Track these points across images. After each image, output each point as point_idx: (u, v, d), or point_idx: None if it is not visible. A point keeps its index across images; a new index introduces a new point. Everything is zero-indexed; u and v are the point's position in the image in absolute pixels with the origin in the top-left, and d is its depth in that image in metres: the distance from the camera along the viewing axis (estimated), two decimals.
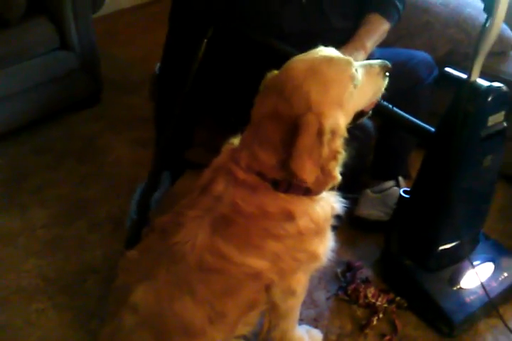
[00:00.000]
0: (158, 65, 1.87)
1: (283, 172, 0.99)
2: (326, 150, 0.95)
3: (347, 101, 0.99)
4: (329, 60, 0.99)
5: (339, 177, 1.02)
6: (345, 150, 1.01)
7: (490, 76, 1.71)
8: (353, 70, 1.00)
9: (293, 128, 0.95)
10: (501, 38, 1.90)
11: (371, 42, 1.43)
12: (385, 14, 1.48)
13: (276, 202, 1.02)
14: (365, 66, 1.05)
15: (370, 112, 1.14)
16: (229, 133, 1.11)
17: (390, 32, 1.99)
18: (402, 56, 1.73)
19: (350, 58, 1.02)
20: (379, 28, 1.47)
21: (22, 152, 2.07)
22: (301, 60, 1.00)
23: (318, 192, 1.06)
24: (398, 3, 1.51)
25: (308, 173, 0.96)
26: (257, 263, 1.05)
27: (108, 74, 2.50)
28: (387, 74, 1.07)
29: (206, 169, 1.10)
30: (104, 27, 3.02)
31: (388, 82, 1.61)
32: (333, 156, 0.99)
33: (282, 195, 1.02)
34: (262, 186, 1.01)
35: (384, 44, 1.92)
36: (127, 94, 2.46)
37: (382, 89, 1.09)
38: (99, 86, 2.37)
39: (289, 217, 1.03)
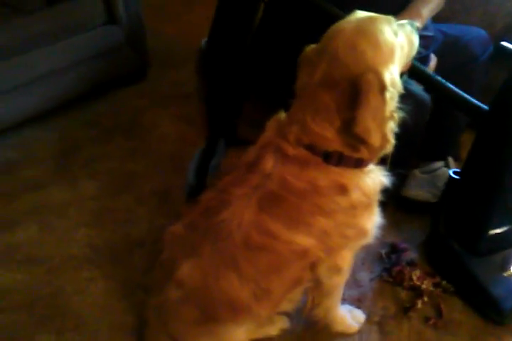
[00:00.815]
0: (205, 40, 1.86)
1: (339, 142, 0.98)
2: (389, 108, 0.95)
3: (396, 56, 0.98)
4: (373, 18, 0.99)
5: (393, 142, 1.01)
6: (401, 110, 1.01)
7: None
8: (395, 26, 1.00)
9: (352, 90, 0.93)
10: None
11: (427, 11, 1.40)
12: None
13: (328, 175, 1.01)
14: (399, 25, 1.05)
15: (406, 75, 1.15)
16: (275, 110, 1.10)
17: (446, 7, 1.92)
18: (456, 32, 1.67)
19: (389, 16, 1.02)
20: None
21: (72, 126, 2.12)
22: (346, 23, 0.99)
23: (370, 160, 1.05)
24: None
25: (374, 136, 0.95)
26: (304, 240, 1.05)
27: (154, 50, 2.50)
28: (417, 32, 1.09)
29: (252, 146, 1.09)
30: (151, 1, 3.03)
31: (442, 59, 1.58)
32: (391, 115, 0.98)
33: (333, 168, 1.01)
34: (313, 160, 1.00)
35: (438, 19, 1.85)
36: (173, 70, 2.46)
37: (416, 47, 1.09)
38: (146, 61, 2.39)
39: (342, 190, 1.02)
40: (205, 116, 1.71)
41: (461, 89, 1.32)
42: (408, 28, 1.06)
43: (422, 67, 1.31)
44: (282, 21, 1.46)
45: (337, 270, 1.17)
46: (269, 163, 1.02)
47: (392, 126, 1.00)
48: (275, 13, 1.43)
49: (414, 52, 1.09)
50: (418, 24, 1.32)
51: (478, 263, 1.39)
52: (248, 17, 1.39)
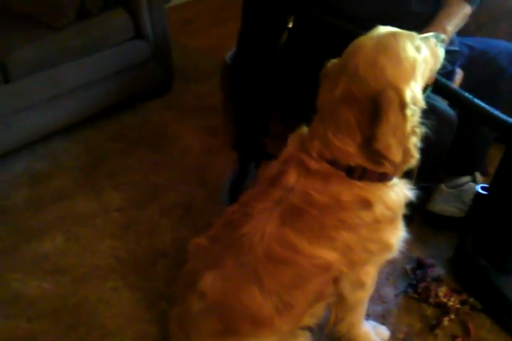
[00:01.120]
0: (230, 53, 1.89)
1: (361, 156, 0.98)
2: (409, 125, 0.94)
3: (418, 72, 0.98)
4: (394, 34, 0.98)
5: (417, 156, 1.01)
6: (424, 126, 1.01)
7: None
8: (418, 42, 1.00)
9: (372, 107, 0.93)
10: None
11: (452, 26, 1.39)
12: None
13: (351, 190, 1.01)
14: (422, 39, 1.04)
15: (431, 88, 1.13)
16: (299, 124, 1.10)
17: (471, 20, 1.90)
18: (483, 45, 1.66)
19: (412, 32, 1.02)
20: (460, 12, 1.43)
21: (98, 138, 2.16)
22: (367, 39, 0.99)
23: (394, 175, 1.04)
24: None
25: (394, 152, 0.95)
26: (327, 254, 1.04)
27: (179, 64, 2.55)
28: (443, 44, 1.08)
29: (275, 160, 1.09)
30: (177, 17, 3.09)
31: (468, 73, 1.57)
32: (413, 131, 0.98)
33: (357, 183, 1.01)
34: (335, 175, 1.00)
35: (465, 32, 1.84)
36: (197, 83, 2.50)
37: (441, 59, 1.08)
38: (171, 75, 2.43)
39: (366, 204, 1.01)
40: (233, 135, 1.73)
41: (489, 103, 1.30)
42: (432, 40, 1.06)
43: (447, 82, 1.30)
44: (306, 40, 1.48)
45: (360, 285, 1.15)
46: (291, 177, 1.02)
47: (415, 141, 0.99)
48: (299, 33, 1.44)
49: (439, 65, 1.08)
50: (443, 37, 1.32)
51: (506, 280, 1.36)
52: (273, 41, 1.41)
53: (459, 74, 1.57)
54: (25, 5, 2.05)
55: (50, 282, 1.53)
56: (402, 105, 0.92)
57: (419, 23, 1.39)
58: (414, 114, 0.96)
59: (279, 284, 1.07)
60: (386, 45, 0.96)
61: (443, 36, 1.09)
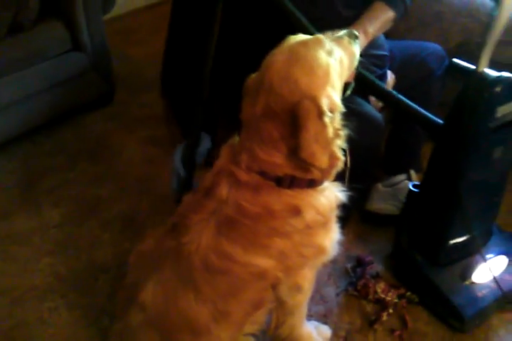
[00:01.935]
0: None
1: (289, 166, 1.00)
2: (330, 130, 0.96)
3: (333, 76, 0.99)
4: (303, 43, 1.00)
5: (343, 159, 1.03)
6: (346, 127, 1.03)
7: (504, 65, 1.67)
8: (328, 45, 1.01)
9: (291, 119, 0.95)
10: None
11: (373, 28, 1.42)
12: (390, 2, 1.47)
13: (281, 198, 1.02)
14: (335, 40, 1.06)
15: (353, 83, 1.16)
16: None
17: (401, 23, 1.97)
18: (413, 48, 1.72)
19: (320, 35, 1.03)
20: (382, 16, 1.46)
21: (37, 153, 2.11)
22: (278, 53, 1.00)
23: (323, 179, 1.06)
24: None
25: (320, 158, 0.97)
26: (262, 262, 1.05)
27: (121, 74, 2.53)
28: (356, 41, 1.09)
29: (208, 172, 1.10)
30: (118, 27, 3.06)
31: (400, 75, 1.62)
32: (336, 134, 1.00)
33: (286, 191, 1.02)
34: (265, 185, 1.02)
35: (395, 36, 1.91)
36: (140, 93, 2.48)
37: (357, 56, 1.10)
38: (112, 86, 2.40)
39: (296, 212, 1.03)
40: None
41: (421, 104, 1.35)
42: (346, 39, 1.07)
43: (381, 83, 1.34)
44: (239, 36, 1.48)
45: (298, 289, 1.16)
46: (224, 189, 1.03)
47: (339, 144, 1.02)
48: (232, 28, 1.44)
49: (356, 62, 1.10)
50: (363, 39, 1.35)
51: (439, 273, 1.41)
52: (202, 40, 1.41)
53: (390, 77, 1.63)
54: None
55: None
56: (320, 113, 0.94)
57: (346, 26, 1.41)
58: (333, 119, 0.98)
59: (215, 292, 1.08)
60: (297, 56, 0.97)
61: (356, 32, 1.10)
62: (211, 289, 1.08)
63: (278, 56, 0.99)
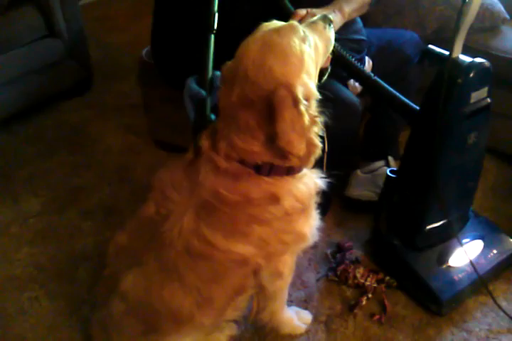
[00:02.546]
0: (145, 50, 1.85)
1: (267, 154, 1.00)
2: (306, 118, 0.96)
3: (308, 64, 0.99)
4: (277, 30, 0.99)
5: (320, 145, 1.03)
6: (324, 113, 1.02)
7: (479, 52, 1.70)
8: (302, 32, 1.00)
9: (267, 107, 0.95)
10: (491, 13, 1.87)
11: (349, 8, 1.40)
12: None
13: (260, 186, 1.02)
14: (309, 25, 1.06)
15: (330, 68, 1.16)
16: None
17: (378, 12, 1.97)
18: (390, 35, 1.72)
19: (294, 22, 1.03)
20: None
21: (14, 141, 2.07)
22: (252, 41, 0.99)
23: (302, 166, 1.06)
24: None
25: (297, 146, 0.96)
26: (243, 249, 1.05)
27: (99, 61, 2.49)
28: (331, 25, 1.09)
29: (189, 153, 1.09)
30: (95, 13, 3.00)
31: (377, 62, 1.63)
32: (313, 121, 1.00)
33: (266, 179, 1.02)
34: (244, 173, 1.01)
35: (372, 24, 1.91)
36: (118, 81, 2.45)
37: (333, 41, 1.10)
38: (89, 73, 2.36)
39: (274, 199, 1.03)
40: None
41: (398, 90, 1.35)
42: (320, 24, 1.07)
43: (359, 65, 1.33)
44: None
45: (279, 275, 1.18)
46: (202, 175, 1.03)
47: (316, 131, 1.01)
48: None
49: (331, 47, 1.10)
50: (334, 17, 1.32)
51: (417, 257, 1.44)
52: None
53: (367, 63, 1.63)
54: None
55: None
56: (295, 101, 0.94)
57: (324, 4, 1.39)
58: (309, 107, 0.98)
59: (199, 278, 1.08)
60: (270, 44, 0.97)
61: (331, 16, 1.10)
62: (194, 275, 1.08)
63: (252, 44, 0.98)
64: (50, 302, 1.44)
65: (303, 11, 1.27)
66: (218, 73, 1.14)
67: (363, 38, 1.57)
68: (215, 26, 1.24)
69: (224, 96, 1.01)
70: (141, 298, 1.11)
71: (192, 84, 1.48)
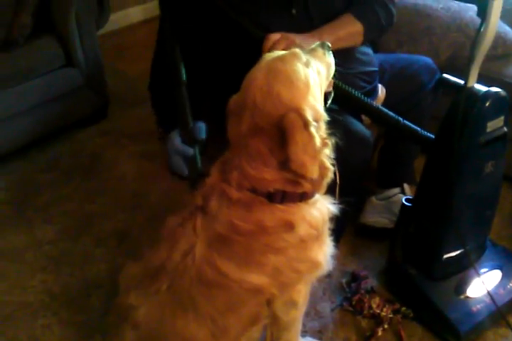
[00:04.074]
0: None
1: (279, 181, 1.00)
2: (317, 140, 0.97)
3: (313, 87, 1.00)
4: (280, 58, 1.01)
5: (331, 168, 1.03)
6: (332, 136, 1.04)
7: (493, 80, 1.70)
8: (304, 58, 1.02)
9: (278, 133, 0.96)
10: (504, 41, 1.88)
11: (332, 36, 1.36)
12: (358, 15, 1.44)
13: (274, 214, 1.02)
14: (309, 52, 1.08)
15: (332, 92, 1.18)
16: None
17: (392, 38, 2.00)
18: (404, 61, 1.73)
19: (295, 49, 1.05)
20: (346, 26, 1.44)
21: (30, 169, 2.10)
22: (257, 70, 1.01)
23: (315, 191, 1.06)
24: (380, 11, 1.48)
25: (310, 168, 0.97)
26: (257, 279, 1.04)
27: (115, 89, 2.54)
28: (330, 51, 1.11)
29: (199, 189, 1.10)
30: (113, 42, 3.08)
31: (391, 89, 1.64)
32: (324, 143, 1.01)
33: (279, 206, 1.02)
34: (257, 201, 1.01)
35: (385, 50, 1.93)
36: (134, 109, 2.49)
37: (333, 65, 1.12)
38: (105, 102, 2.41)
39: (289, 227, 1.03)
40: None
41: (413, 117, 1.35)
42: (319, 51, 1.09)
43: (367, 100, 1.35)
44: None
45: (293, 304, 1.16)
46: (214, 207, 1.03)
47: (327, 153, 1.02)
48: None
49: (332, 71, 1.12)
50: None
51: (434, 287, 1.41)
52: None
53: (381, 91, 1.64)
54: None
55: None
56: (305, 123, 0.95)
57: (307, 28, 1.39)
58: (319, 129, 1.00)
59: (213, 308, 1.07)
60: (275, 71, 0.99)
61: (328, 43, 1.12)
62: (209, 304, 1.07)
63: (257, 73, 1.00)
64: (62, 330, 1.43)
65: (277, 35, 1.30)
66: (200, 125, 1.17)
67: (374, 69, 1.58)
68: (184, 78, 1.27)
69: (233, 127, 1.02)
70: (154, 329, 1.09)
71: (176, 139, 1.53)
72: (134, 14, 3.41)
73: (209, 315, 1.07)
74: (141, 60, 2.93)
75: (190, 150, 1.43)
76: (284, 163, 0.97)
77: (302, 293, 1.17)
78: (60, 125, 2.24)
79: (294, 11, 1.41)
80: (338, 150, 1.05)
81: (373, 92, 1.59)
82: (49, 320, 1.46)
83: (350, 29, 1.44)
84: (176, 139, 1.60)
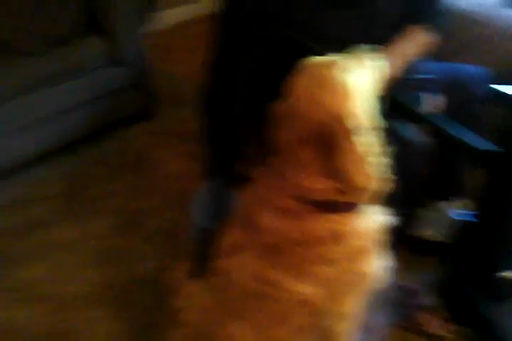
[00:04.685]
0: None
1: (329, 190, 0.98)
2: (362, 148, 0.95)
3: (358, 94, 0.98)
4: (323, 64, 1.00)
5: (380, 178, 1.00)
6: (384, 144, 1.00)
7: None
8: (347, 64, 1.00)
9: (324, 141, 0.94)
10: None
11: (409, 51, 1.41)
12: (425, 26, 1.45)
13: (324, 224, 1.00)
14: (353, 57, 1.06)
15: (386, 97, 1.13)
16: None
17: (444, 46, 1.96)
18: (456, 71, 1.69)
19: (336, 56, 1.03)
20: (418, 39, 1.46)
21: (80, 164, 2.13)
22: (300, 78, 1.00)
23: (364, 201, 1.03)
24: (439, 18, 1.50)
25: (358, 176, 0.95)
26: (308, 289, 1.03)
27: (163, 89, 2.55)
28: (378, 56, 1.09)
29: (244, 200, 1.09)
30: (161, 42, 3.11)
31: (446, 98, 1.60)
32: (370, 152, 0.97)
33: (329, 216, 1.01)
34: (307, 211, 1.00)
35: (439, 59, 1.90)
36: (181, 109, 2.49)
37: (382, 70, 1.09)
38: (152, 101, 2.42)
39: (339, 237, 1.01)
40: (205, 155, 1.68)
41: (468, 126, 1.32)
42: (363, 56, 1.07)
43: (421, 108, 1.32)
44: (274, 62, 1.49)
45: (344, 316, 1.14)
46: (264, 218, 1.02)
47: (375, 161, 0.99)
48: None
49: (382, 75, 1.09)
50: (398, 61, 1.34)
51: (494, 308, 1.35)
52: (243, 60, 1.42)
53: (439, 100, 1.60)
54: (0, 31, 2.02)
55: (28, 311, 1.48)
56: (348, 132, 0.93)
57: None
58: (364, 135, 0.96)
59: (263, 317, 1.06)
60: (317, 78, 0.97)
61: (371, 47, 1.10)
62: (259, 313, 1.06)
63: (300, 81, 0.99)
64: (110, 323, 1.44)
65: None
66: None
67: (431, 76, 1.55)
68: None
69: (279, 135, 1.01)
70: (204, 329, 1.09)
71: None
72: (181, 13, 3.43)
73: (258, 324, 1.06)
74: (188, 58, 2.96)
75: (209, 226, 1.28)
76: (332, 173, 0.96)
77: (354, 306, 1.14)
78: (107, 122, 2.27)
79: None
80: (390, 158, 1.02)
81: (418, 100, 1.56)
82: (98, 312, 1.47)
83: (420, 41, 1.46)
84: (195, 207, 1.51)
